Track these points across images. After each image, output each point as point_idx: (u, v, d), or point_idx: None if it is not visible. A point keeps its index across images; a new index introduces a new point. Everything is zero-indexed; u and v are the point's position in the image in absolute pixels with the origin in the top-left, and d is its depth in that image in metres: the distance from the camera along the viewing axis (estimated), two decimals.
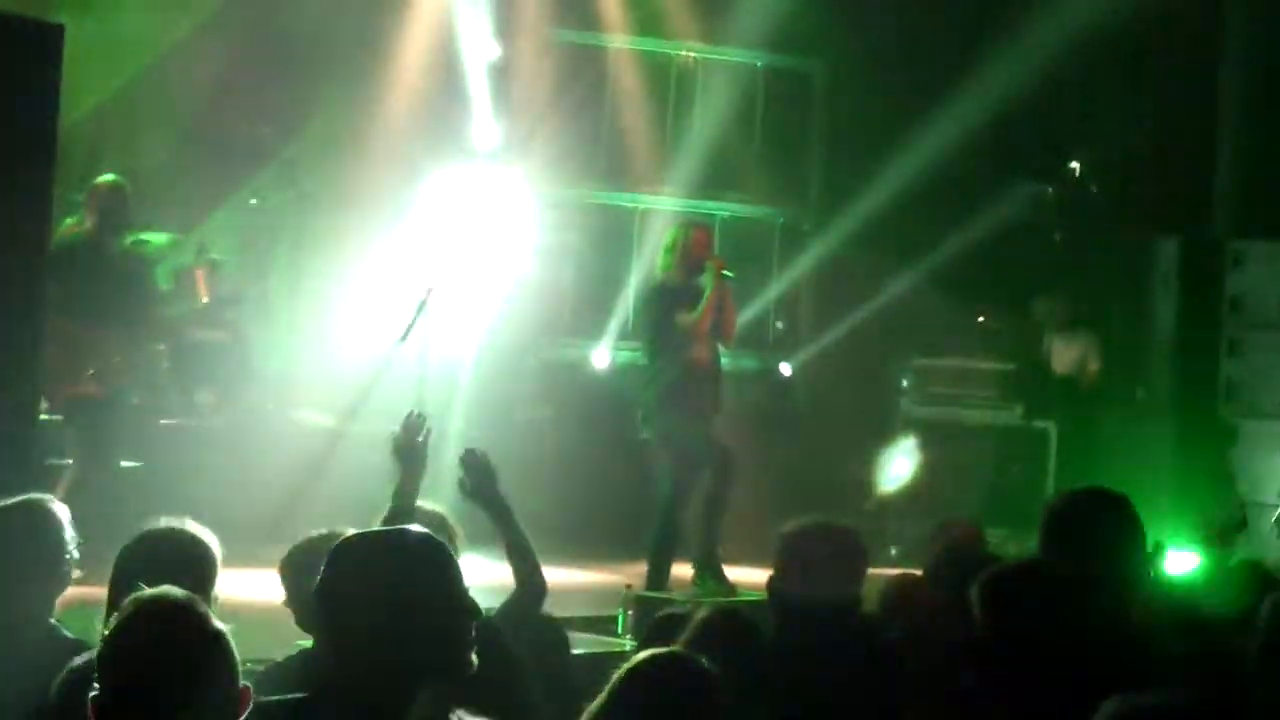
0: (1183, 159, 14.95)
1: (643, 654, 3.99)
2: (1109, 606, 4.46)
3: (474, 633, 3.52)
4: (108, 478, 10.37)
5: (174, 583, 3.50)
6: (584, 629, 8.98)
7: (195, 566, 4.46)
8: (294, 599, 5.33)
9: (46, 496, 5.09)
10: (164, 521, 4.65)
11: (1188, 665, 4.65)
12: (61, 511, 4.98)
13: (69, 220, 12.37)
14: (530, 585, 6.12)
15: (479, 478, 6.14)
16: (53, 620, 4.86)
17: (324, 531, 5.14)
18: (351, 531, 3.70)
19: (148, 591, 3.43)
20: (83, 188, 11.25)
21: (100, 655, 3.36)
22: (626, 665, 3.91)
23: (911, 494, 14.05)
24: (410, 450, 6.05)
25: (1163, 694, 3.33)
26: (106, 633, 3.37)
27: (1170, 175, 14.95)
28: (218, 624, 3.38)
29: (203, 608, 3.39)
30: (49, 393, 9.62)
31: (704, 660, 3.92)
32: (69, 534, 4.92)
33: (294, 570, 5.30)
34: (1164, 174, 14.95)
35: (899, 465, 14.28)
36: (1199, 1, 14.92)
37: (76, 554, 4.93)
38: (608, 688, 3.87)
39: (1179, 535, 9.68)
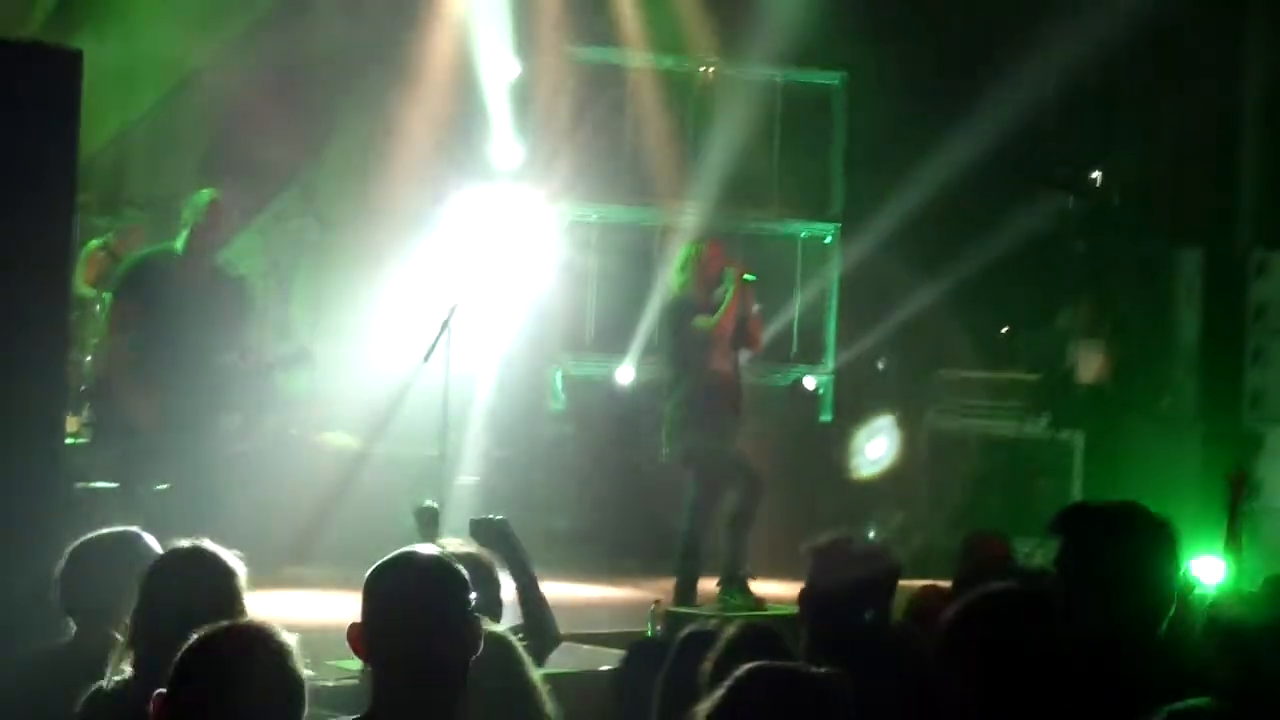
0: (1205, 168, 14.92)
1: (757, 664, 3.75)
2: (1131, 622, 4.42)
3: (473, 654, 3.58)
4: (145, 501, 10.31)
5: (201, 604, 3.52)
6: (614, 645, 8.98)
7: (221, 587, 4.45)
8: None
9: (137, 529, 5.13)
10: (185, 543, 4.63)
11: (1220, 680, 4.62)
12: (154, 543, 5.00)
13: (93, 242, 12.42)
14: (544, 635, 6.04)
15: (489, 544, 6.10)
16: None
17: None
18: None
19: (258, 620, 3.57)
20: (106, 211, 11.19)
21: (179, 660, 3.46)
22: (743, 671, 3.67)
23: (932, 501, 14.04)
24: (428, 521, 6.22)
25: (1207, 705, 3.30)
26: (196, 637, 3.47)
27: (1192, 185, 14.92)
28: (301, 674, 3.50)
29: (292, 653, 3.50)
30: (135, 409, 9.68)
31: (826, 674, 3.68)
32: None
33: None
34: (1186, 184, 14.93)
35: (876, 446, 14.27)
36: (1220, 11, 14.89)
37: None
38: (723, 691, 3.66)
39: (1205, 544, 9.64)
